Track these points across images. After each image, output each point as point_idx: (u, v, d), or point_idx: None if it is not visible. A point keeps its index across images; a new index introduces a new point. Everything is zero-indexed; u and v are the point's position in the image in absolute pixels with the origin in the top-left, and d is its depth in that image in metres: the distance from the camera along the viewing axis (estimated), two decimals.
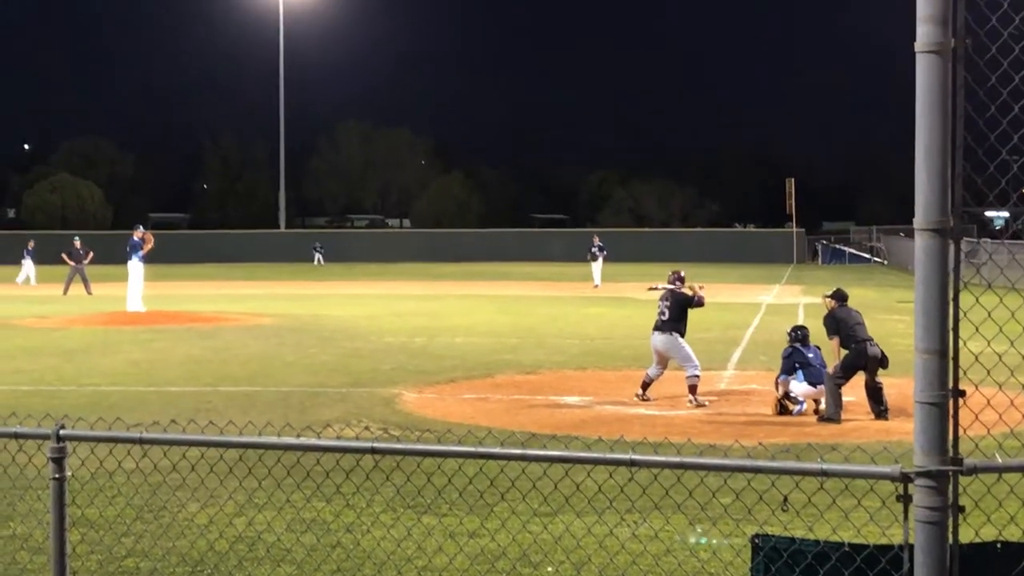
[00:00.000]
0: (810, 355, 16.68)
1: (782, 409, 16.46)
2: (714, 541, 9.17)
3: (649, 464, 5.47)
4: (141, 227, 38.67)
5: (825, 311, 16.77)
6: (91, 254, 47.24)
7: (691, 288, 17.96)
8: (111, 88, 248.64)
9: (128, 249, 36.15)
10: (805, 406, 16.42)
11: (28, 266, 54.17)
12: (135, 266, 35.68)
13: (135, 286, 35.53)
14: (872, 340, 16.17)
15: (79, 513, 9.63)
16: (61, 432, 6.21)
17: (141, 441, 6.24)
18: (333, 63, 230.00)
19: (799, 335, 17.07)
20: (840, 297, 16.72)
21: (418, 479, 8.66)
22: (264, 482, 8.76)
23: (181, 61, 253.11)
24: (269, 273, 65.84)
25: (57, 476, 6.20)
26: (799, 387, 16.51)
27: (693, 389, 17.26)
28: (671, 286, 18.04)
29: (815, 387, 16.37)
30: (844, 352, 16.12)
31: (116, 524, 9.63)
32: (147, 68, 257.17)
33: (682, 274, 18.31)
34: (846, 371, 15.94)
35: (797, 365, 16.63)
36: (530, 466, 7.63)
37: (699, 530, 9.40)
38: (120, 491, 10.40)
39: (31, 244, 55.93)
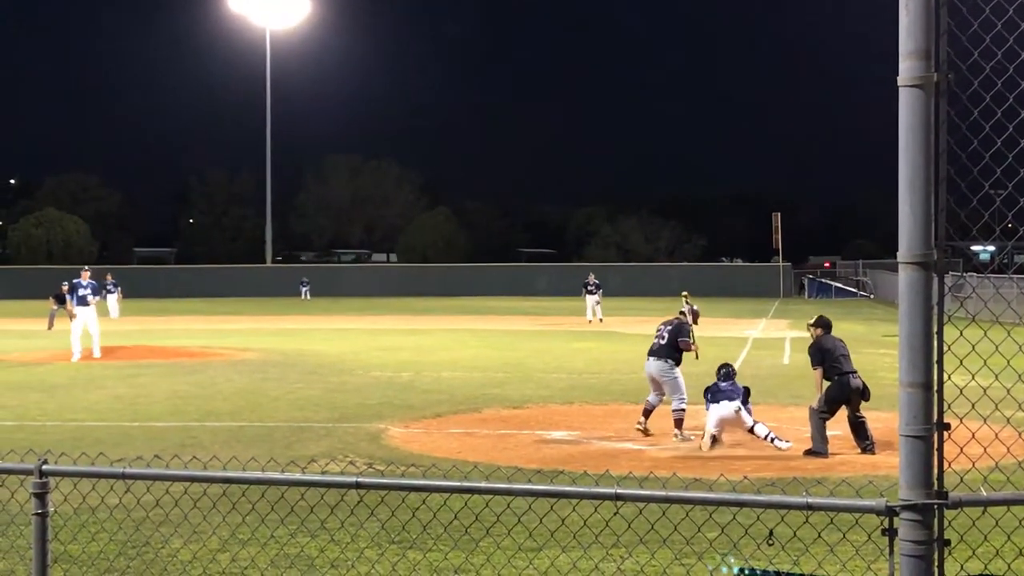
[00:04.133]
0: (723, 384, 16.63)
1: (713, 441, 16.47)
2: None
3: (634, 498, 5.45)
4: (86, 268, 35.39)
5: (811, 340, 16.68)
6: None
7: (692, 338, 18.03)
8: (97, 123, 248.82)
9: (90, 292, 32.29)
10: (712, 441, 16.32)
11: (111, 300, 53.90)
12: (91, 312, 32.01)
13: (96, 329, 31.94)
14: (855, 372, 16.09)
15: (61, 549, 9.56)
16: (44, 467, 6.17)
17: (124, 476, 6.21)
18: (320, 98, 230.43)
19: (721, 372, 16.99)
20: (825, 325, 16.61)
21: (403, 514, 8.61)
22: (248, 517, 8.71)
23: (168, 96, 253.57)
24: (255, 308, 65.71)
25: (39, 511, 6.16)
26: (711, 416, 16.45)
27: (679, 423, 17.22)
28: (680, 317, 18.12)
29: (717, 414, 16.38)
30: (827, 384, 16.05)
31: (99, 560, 9.55)
32: (134, 104, 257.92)
33: (695, 308, 18.38)
34: (830, 405, 15.88)
35: (709, 395, 16.63)
36: (515, 501, 7.60)
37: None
38: (103, 527, 10.32)
39: (109, 277, 55.61)
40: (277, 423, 18.72)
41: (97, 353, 31.25)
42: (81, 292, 32.02)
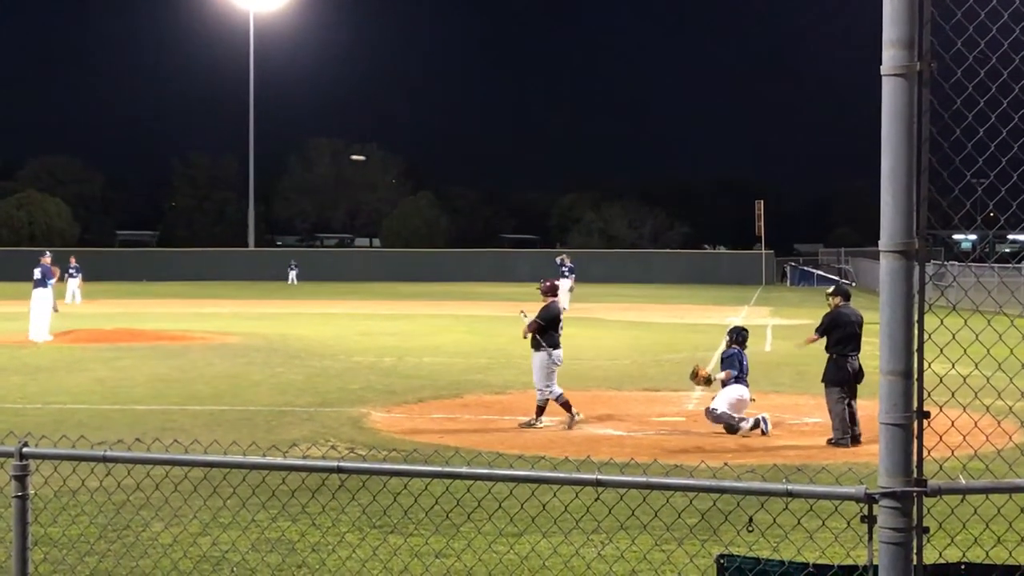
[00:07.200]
0: (744, 360, 16.74)
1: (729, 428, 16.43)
2: None
3: (615, 484, 5.46)
4: (48, 253, 35.26)
5: (828, 308, 16.49)
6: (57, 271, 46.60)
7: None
8: (79, 105, 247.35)
9: (41, 276, 31.82)
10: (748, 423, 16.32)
11: (72, 284, 53.09)
12: (44, 294, 31.62)
13: (44, 314, 31.52)
14: (854, 353, 15.95)
15: (42, 532, 9.54)
16: (24, 450, 6.15)
17: (105, 459, 6.19)
18: (304, 81, 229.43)
19: (739, 336, 17.05)
20: (843, 294, 16.52)
21: (384, 498, 8.62)
22: (229, 501, 8.71)
23: (151, 79, 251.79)
24: (237, 292, 65.56)
25: (20, 494, 6.14)
26: (730, 393, 16.44)
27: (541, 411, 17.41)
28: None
29: (737, 394, 16.38)
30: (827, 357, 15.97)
31: (79, 543, 9.54)
32: (117, 86, 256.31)
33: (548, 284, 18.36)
34: (841, 387, 15.75)
35: (736, 367, 16.65)
36: (496, 486, 7.61)
37: None
38: (83, 510, 10.31)
39: (72, 260, 55.17)
40: (259, 407, 18.70)
41: (32, 336, 30.97)
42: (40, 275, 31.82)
